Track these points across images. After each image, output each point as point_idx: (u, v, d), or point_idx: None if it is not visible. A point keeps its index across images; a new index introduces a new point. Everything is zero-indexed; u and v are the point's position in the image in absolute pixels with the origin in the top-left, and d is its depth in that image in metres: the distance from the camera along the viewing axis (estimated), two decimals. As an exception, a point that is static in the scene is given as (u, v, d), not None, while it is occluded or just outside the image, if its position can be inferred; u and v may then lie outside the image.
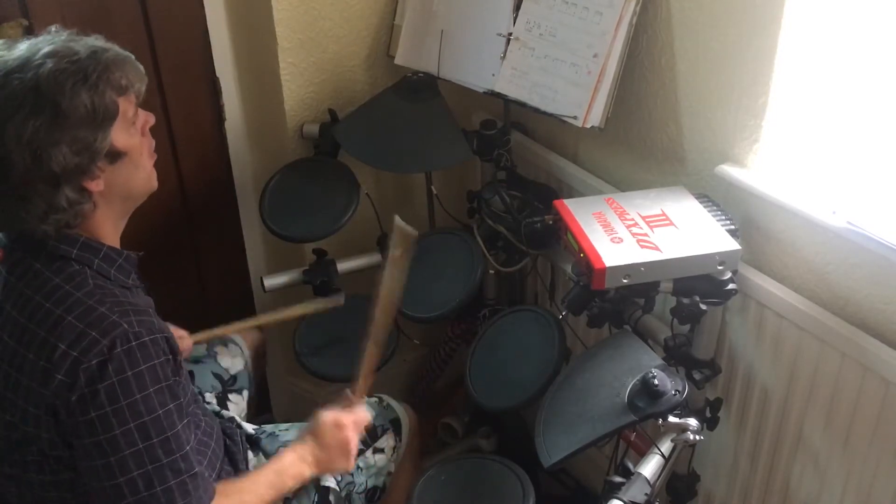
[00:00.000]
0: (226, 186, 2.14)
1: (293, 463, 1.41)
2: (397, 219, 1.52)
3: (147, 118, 1.29)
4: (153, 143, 1.32)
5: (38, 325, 1.18)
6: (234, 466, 1.48)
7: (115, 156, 1.22)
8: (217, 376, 1.73)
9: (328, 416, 1.46)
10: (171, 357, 1.23)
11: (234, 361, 1.78)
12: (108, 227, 1.28)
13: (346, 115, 1.96)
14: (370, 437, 1.65)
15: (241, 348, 1.81)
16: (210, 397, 1.69)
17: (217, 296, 2.24)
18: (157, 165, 1.33)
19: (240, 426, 1.59)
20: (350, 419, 1.47)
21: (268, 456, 1.55)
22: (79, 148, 1.16)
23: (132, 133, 1.25)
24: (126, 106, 1.22)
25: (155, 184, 1.33)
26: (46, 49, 1.17)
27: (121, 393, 1.15)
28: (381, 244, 2.02)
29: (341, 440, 1.44)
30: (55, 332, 1.16)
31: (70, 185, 1.18)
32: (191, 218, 2.12)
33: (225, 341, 1.81)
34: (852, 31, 1.34)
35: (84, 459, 1.18)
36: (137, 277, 1.35)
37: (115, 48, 1.24)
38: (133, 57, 1.26)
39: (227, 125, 2.07)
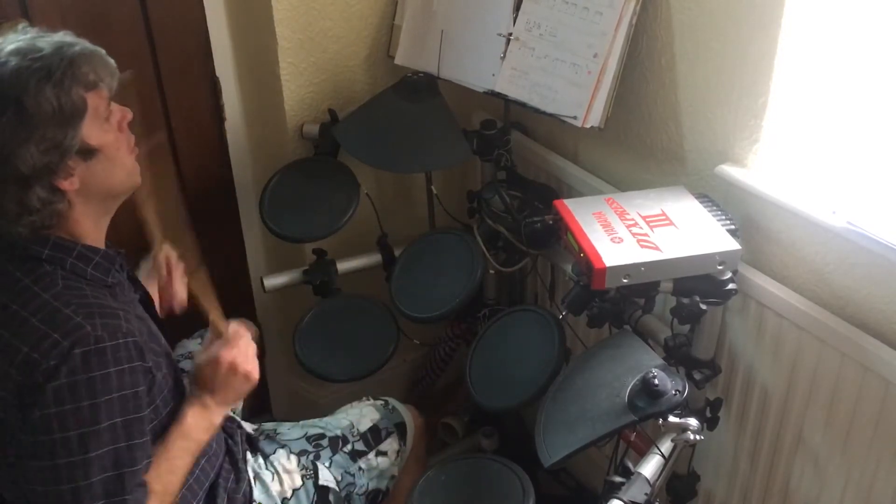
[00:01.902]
0: (226, 186, 2.14)
1: (196, 417, 1.32)
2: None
3: (124, 114, 1.27)
4: (133, 138, 1.29)
5: (5, 328, 1.16)
6: (234, 465, 1.48)
7: (88, 153, 1.19)
8: None
9: (221, 363, 1.34)
10: (141, 363, 1.19)
11: None
12: (88, 225, 1.25)
13: (346, 115, 1.96)
14: (374, 439, 1.65)
15: None
16: None
17: (217, 296, 2.23)
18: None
19: (240, 426, 1.59)
20: (230, 354, 1.35)
21: (266, 457, 1.55)
22: (47, 147, 1.14)
23: (106, 129, 1.22)
24: (97, 101, 1.19)
25: (137, 179, 1.30)
26: (10, 47, 1.16)
27: (68, 395, 1.12)
28: (381, 244, 2.02)
29: (233, 373, 1.34)
30: (19, 335, 1.15)
31: (41, 184, 1.16)
32: (191, 218, 2.11)
33: None
34: (852, 31, 1.34)
35: (23, 458, 1.15)
36: (125, 274, 1.33)
37: (84, 43, 1.21)
38: (103, 51, 1.23)
39: (227, 125, 2.07)
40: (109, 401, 1.15)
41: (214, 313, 1.41)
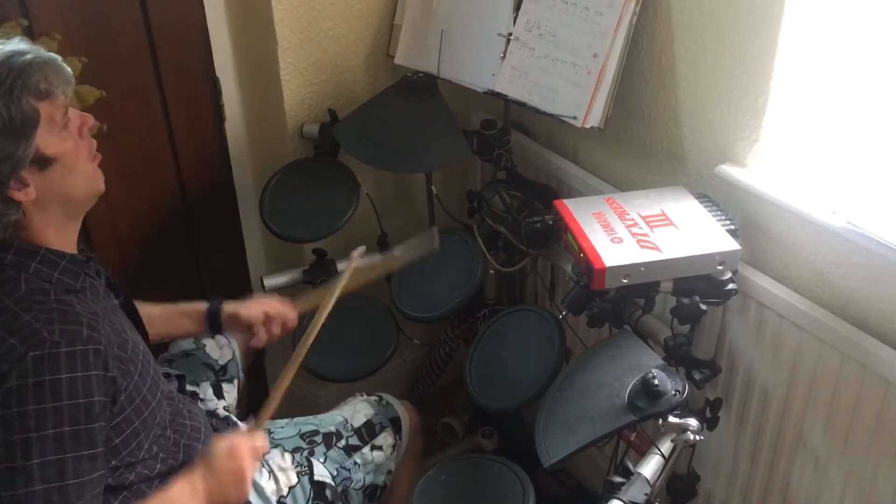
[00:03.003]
0: (226, 186, 2.14)
1: (183, 493, 1.30)
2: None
3: (84, 120, 1.25)
4: (94, 144, 1.28)
5: None
6: None
7: (44, 162, 1.17)
8: (209, 366, 1.72)
9: (223, 443, 1.35)
10: (100, 372, 1.16)
11: (222, 352, 1.76)
12: (50, 233, 1.23)
13: (346, 115, 1.96)
14: (368, 433, 1.65)
15: (228, 339, 1.79)
16: (206, 387, 1.68)
17: (217, 296, 2.23)
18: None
19: (235, 425, 1.58)
20: (246, 446, 1.36)
21: None
22: None
23: (64, 137, 1.20)
24: (51, 110, 1.17)
25: (100, 185, 1.28)
26: None
27: (15, 399, 1.10)
28: (381, 244, 2.02)
29: (234, 469, 1.34)
30: None
31: None
32: (191, 218, 2.12)
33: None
34: (852, 31, 1.34)
35: None
36: (102, 279, 1.32)
37: (38, 51, 1.18)
38: (58, 59, 1.20)
39: (227, 125, 2.07)
40: (58, 408, 1.11)
41: (265, 416, 1.47)
